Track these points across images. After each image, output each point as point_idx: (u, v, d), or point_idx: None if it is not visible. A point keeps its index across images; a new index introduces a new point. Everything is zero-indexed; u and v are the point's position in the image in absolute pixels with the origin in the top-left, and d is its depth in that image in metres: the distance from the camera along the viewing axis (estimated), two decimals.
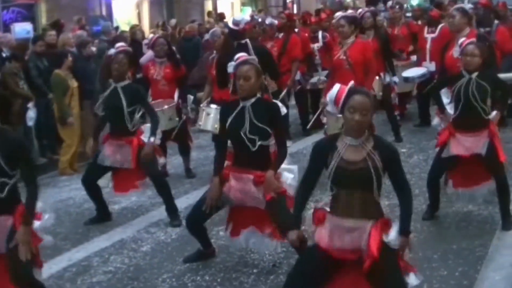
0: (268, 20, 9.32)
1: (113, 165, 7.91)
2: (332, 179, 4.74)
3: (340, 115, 4.86)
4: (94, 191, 8.11)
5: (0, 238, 5.22)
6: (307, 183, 5.02)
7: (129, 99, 7.75)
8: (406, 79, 12.17)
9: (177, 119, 9.58)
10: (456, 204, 8.09)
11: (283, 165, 6.35)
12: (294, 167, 6.47)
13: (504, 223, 7.37)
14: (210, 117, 8.83)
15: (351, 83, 4.86)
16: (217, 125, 7.34)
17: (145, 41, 13.31)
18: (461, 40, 7.62)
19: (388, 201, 6.03)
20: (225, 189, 6.30)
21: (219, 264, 6.77)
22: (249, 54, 8.18)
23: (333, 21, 10.43)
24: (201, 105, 9.36)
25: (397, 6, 14.07)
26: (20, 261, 5.12)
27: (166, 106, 9.39)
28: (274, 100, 8.23)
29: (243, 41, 8.50)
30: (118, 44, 8.36)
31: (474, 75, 7.13)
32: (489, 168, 7.34)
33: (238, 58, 6.30)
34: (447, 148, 7.35)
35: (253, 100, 6.19)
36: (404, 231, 4.78)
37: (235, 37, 8.59)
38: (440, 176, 7.62)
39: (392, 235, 4.75)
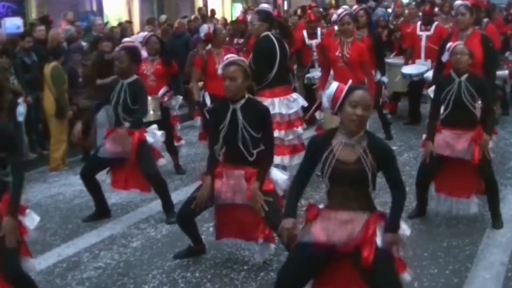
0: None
1: (112, 157, 7.84)
2: (326, 177, 4.73)
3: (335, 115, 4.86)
4: (92, 186, 8.05)
5: None
6: (301, 177, 5.01)
7: (131, 94, 7.75)
8: (406, 76, 12.15)
9: (159, 113, 9.52)
10: (447, 203, 8.08)
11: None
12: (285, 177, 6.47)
13: (494, 222, 7.40)
14: None
15: (350, 82, 4.85)
16: None
17: (138, 38, 13.28)
18: (448, 44, 7.60)
19: (378, 199, 6.02)
20: (216, 186, 6.28)
21: (210, 260, 6.76)
22: (283, 46, 8.36)
23: (335, 16, 10.38)
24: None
25: (413, 3, 14.01)
26: (7, 252, 5.06)
27: (149, 97, 9.34)
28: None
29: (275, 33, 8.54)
30: (125, 40, 8.43)
31: (464, 78, 7.16)
32: (478, 170, 7.32)
33: (227, 59, 6.28)
34: (435, 146, 7.34)
35: (242, 101, 6.17)
36: (392, 227, 4.75)
37: (272, 26, 8.53)
38: (428, 178, 7.56)
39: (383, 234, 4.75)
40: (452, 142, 7.24)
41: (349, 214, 4.70)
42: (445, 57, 7.56)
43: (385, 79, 11.47)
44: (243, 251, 6.94)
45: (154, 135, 7.97)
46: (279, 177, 6.35)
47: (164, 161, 8.39)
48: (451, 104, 7.17)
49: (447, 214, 7.80)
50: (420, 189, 7.67)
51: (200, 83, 9.97)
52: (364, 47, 9.21)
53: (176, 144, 10.15)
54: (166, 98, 9.76)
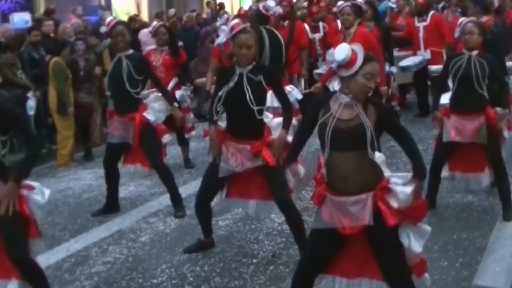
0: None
1: (119, 142, 7.81)
2: (328, 138, 4.64)
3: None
4: (112, 175, 8.05)
5: None
6: (303, 132, 5.12)
7: (133, 66, 7.66)
8: (404, 69, 12.13)
9: (170, 108, 9.45)
10: (457, 195, 8.08)
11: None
12: None
13: (505, 214, 7.35)
14: None
15: (361, 50, 4.79)
16: None
17: (149, 29, 13.32)
18: (460, 20, 7.62)
19: None
20: (223, 157, 6.27)
21: (219, 254, 6.75)
22: (275, 39, 8.69)
23: (335, 9, 10.34)
24: None
25: None
26: (12, 233, 5.02)
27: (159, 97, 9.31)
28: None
29: (268, 26, 8.77)
30: (108, 19, 8.32)
31: (474, 53, 7.15)
32: (488, 155, 7.31)
33: (232, 26, 6.28)
34: (445, 132, 7.32)
35: (250, 67, 6.17)
36: (419, 174, 4.70)
37: (261, 22, 8.76)
38: (443, 162, 7.55)
39: (401, 194, 4.65)
40: (462, 128, 7.22)
41: (352, 197, 4.61)
42: (457, 33, 7.60)
43: (394, 69, 11.44)
44: (252, 245, 6.94)
45: (155, 111, 7.92)
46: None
47: (169, 138, 8.33)
48: (458, 80, 7.14)
49: (457, 206, 7.78)
50: (434, 173, 7.62)
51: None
52: (369, 34, 9.19)
53: (186, 135, 10.10)
54: (176, 91, 9.73)
